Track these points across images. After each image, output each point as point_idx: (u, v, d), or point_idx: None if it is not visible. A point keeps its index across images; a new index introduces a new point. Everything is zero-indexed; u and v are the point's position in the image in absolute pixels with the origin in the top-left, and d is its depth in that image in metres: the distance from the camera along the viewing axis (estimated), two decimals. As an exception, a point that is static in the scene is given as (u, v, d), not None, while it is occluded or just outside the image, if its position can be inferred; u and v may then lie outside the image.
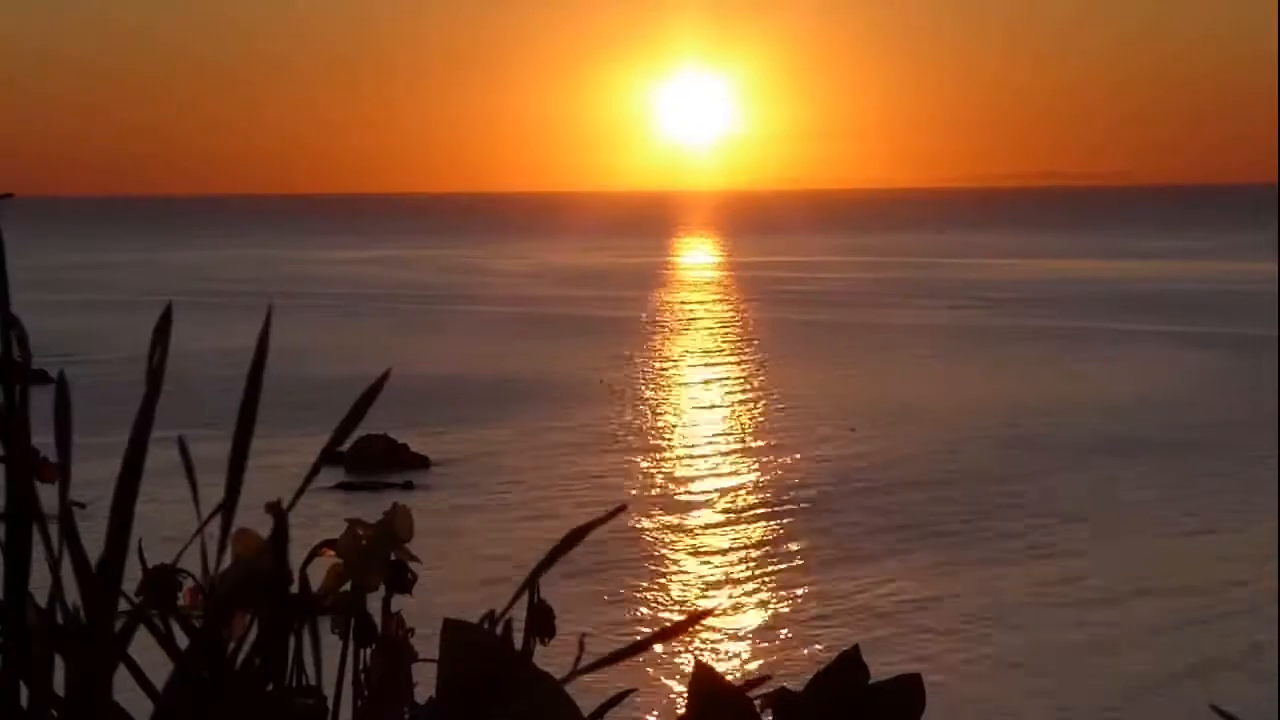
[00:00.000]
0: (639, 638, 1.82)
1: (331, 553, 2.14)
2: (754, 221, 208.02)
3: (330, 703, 2.02)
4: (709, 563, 24.02)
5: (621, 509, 1.84)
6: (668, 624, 1.79)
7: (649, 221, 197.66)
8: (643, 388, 42.75)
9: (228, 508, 1.79)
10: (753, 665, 18.71)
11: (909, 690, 2.35)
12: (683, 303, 73.16)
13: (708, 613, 9.74)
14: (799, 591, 22.31)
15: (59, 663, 1.77)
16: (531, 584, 2.00)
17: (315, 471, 1.82)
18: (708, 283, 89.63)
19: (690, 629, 1.76)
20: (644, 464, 31.39)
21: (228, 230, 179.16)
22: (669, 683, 16.96)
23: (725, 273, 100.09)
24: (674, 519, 26.51)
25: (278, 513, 1.74)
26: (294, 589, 1.91)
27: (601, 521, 1.78)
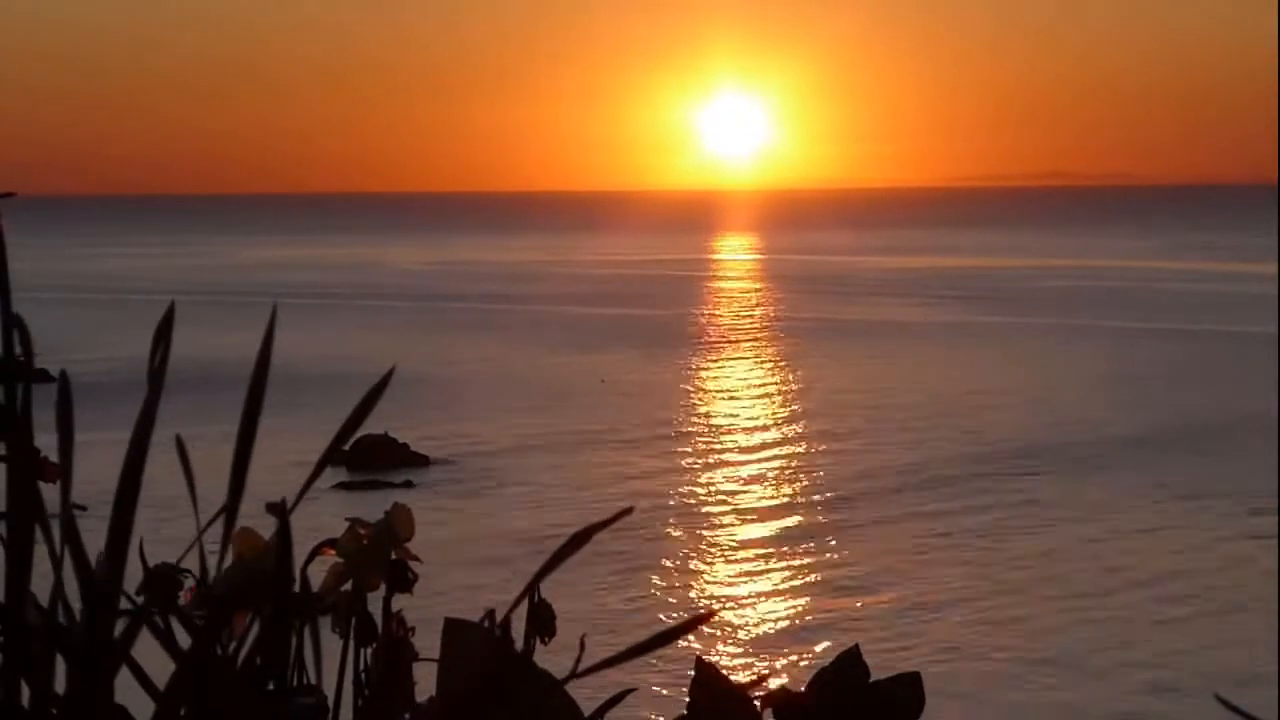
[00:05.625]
0: (642, 639, 1.82)
1: (332, 552, 2.14)
2: (764, 220, 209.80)
3: (330, 702, 2.02)
4: (714, 563, 24.03)
5: (627, 512, 1.83)
6: (670, 624, 1.79)
7: (673, 221, 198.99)
8: (642, 387, 42.74)
9: (230, 508, 1.79)
10: (757, 661, 18.74)
11: (908, 689, 2.35)
12: (685, 302, 73.14)
13: (710, 614, 9.65)
14: (800, 590, 22.33)
15: (60, 662, 1.77)
16: (535, 586, 2.00)
17: (319, 471, 1.83)
18: (714, 280, 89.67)
19: (692, 631, 1.76)
20: (645, 463, 31.39)
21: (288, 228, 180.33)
22: (671, 680, 16.96)
23: (733, 269, 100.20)
24: (676, 518, 26.50)
25: (280, 513, 1.75)
26: (295, 588, 1.91)
27: (606, 524, 1.77)
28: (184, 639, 1.90)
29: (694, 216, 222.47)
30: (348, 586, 2.13)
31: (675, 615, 20.34)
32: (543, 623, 2.19)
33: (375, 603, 2.16)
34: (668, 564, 23.65)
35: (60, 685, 1.76)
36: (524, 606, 2.14)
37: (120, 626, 1.77)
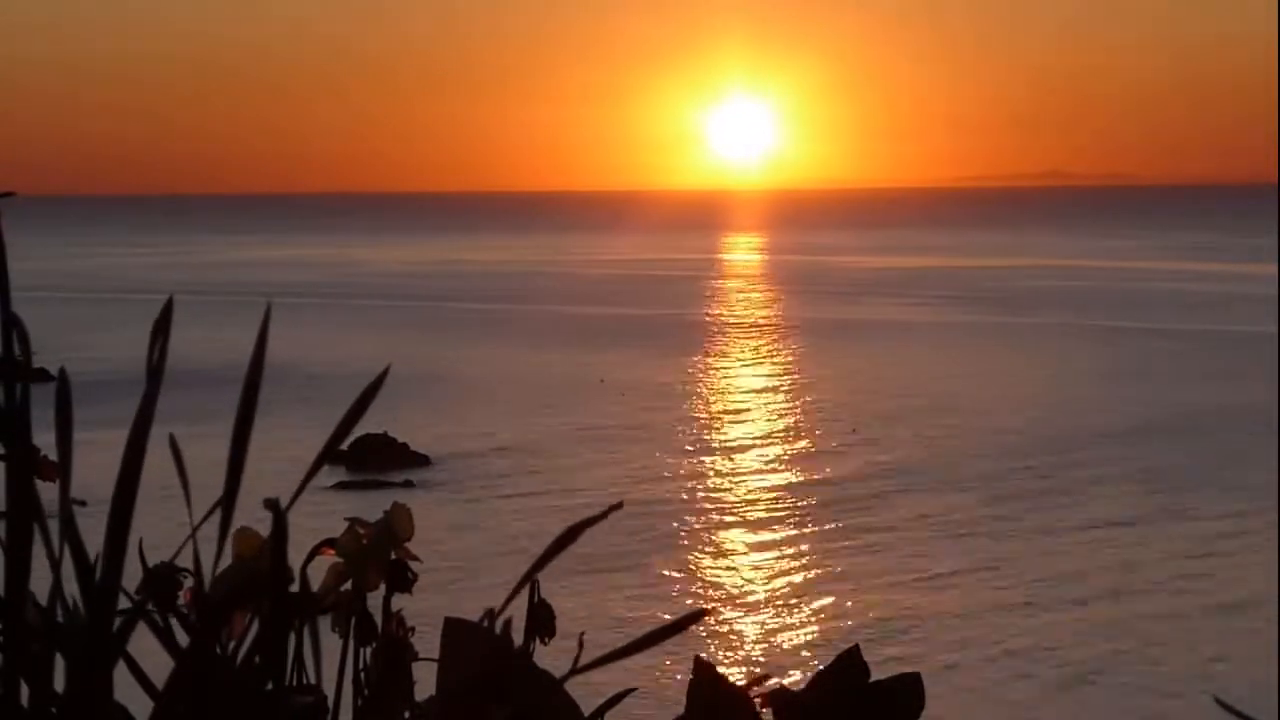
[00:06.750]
0: (639, 635, 1.82)
1: (332, 552, 2.14)
2: (770, 220, 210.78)
3: (330, 702, 2.02)
4: (714, 562, 24.03)
5: (617, 506, 1.83)
6: (665, 622, 1.79)
7: (680, 221, 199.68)
8: (642, 387, 42.73)
9: (226, 506, 1.79)
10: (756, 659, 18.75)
11: (908, 688, 2.35)
12: (688, 301, 73.10)
13: (704, 613, 9.68)
14: (800, 587, 22.33)
15: (59, 661, 1.77)
16: (528, 581, 2.00)
17: (315, 469, 1.82)
18: (719, 280, 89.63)
19: (687, 628, 1.76)
20: (645, 462, 31.38)
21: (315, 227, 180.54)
22: (670, 680, 16.96)
23: (738, 269, 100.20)
24: (673, 516, 26.51)
25: (276, 510, 1.74)
26: (294, 588, 1.91)
27: (597, 519, 1.77)
28: (184, 638, 1.89)
29: (701, 216, 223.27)
30: (348, 586, 2.13)
31: (676, 614, 20.34)
32: (543, 623, 2.18)
33: (375, 603, 2.16)
34: (668, 564, 23.65)
35: (60, 684, 1.76)
36: (524, 606, 2.14)
37: (118, 625, 1.77)
